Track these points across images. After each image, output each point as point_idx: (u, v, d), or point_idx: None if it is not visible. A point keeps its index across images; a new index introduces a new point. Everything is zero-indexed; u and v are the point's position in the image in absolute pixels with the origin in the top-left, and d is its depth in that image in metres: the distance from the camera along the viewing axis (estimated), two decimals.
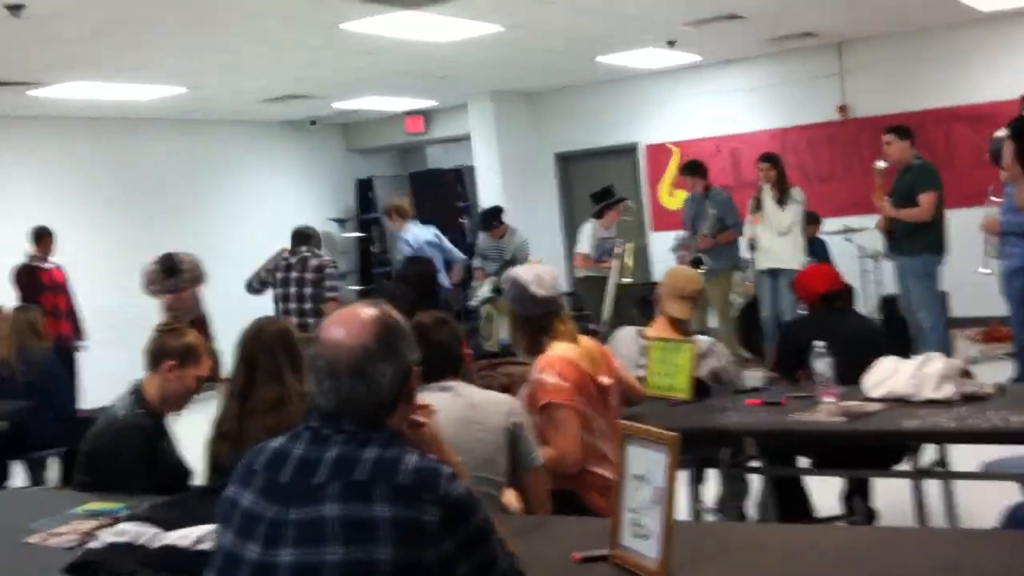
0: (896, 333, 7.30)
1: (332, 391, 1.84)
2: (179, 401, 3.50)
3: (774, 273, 8.11)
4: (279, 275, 7.37)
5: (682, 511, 3.72)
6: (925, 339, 7.16)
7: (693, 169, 8.95)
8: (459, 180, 13.19)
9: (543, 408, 3.28)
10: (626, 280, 8.70)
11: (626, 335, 4.48)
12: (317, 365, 1.86)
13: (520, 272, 3.48)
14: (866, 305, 9.14)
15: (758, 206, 8.13)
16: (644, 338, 4.36)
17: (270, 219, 11.98)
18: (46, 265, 8.51)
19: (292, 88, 10.04)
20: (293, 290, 7.27)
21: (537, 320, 3.43)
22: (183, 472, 3.46)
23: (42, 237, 8.52)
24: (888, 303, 8.70)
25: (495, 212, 9.56)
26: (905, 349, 5.19)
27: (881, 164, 7.43)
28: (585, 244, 8.99)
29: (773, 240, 8.06)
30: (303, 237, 7.49)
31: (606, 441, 3.36)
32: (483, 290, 9.28)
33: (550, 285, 3.44)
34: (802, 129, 10.75)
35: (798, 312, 7.38)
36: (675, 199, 11.22)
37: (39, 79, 8.30)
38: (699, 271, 7.49)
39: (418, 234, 8.47)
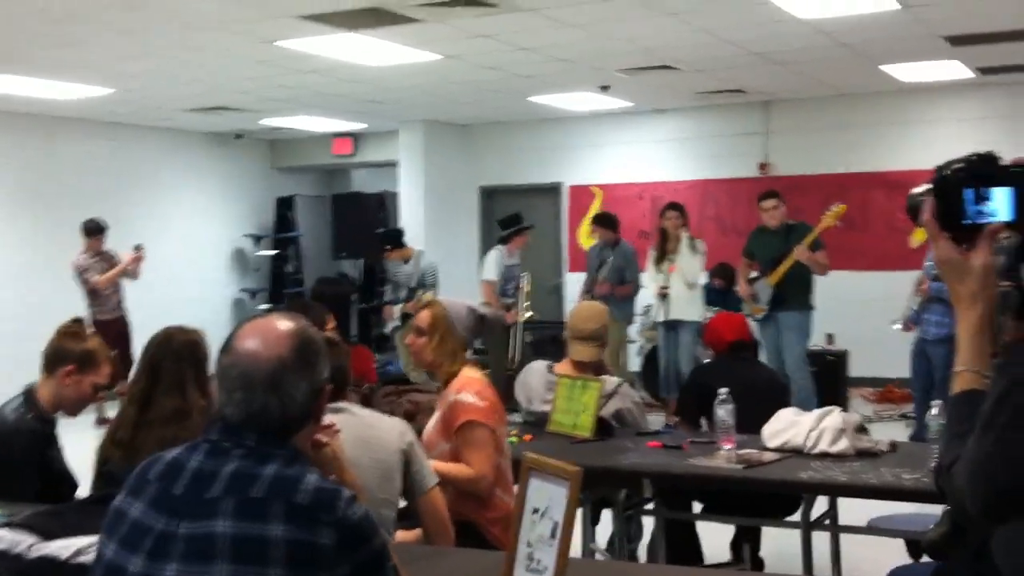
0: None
1: (243, 403, 1.78)
2: (73, 408, 3.38)
3: (674, 325, 8.13)
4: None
5: (575, 550, 3.73)
6: (799, 399, 6.82)
7: (605, 221, 8.93)
8: (381, 205, 13.13)
9: (461, 427, 3.27)
10: (529, 314, 8.66)
11: (537, 368, 4.52)
12: (230, 375, 1.80)
13: (457, 300, 3.54)
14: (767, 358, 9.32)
15: (662, 257, 8.10)
16: (553, 373, 4.39)
17: (186, 230, 11.78)
18: None
19: (222, 100, 9.92)
20: None
21: (459, 345, 3.45)
22: (69, 482, 3.35)
23: None
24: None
25: (389, 235, 9.49)
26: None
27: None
28: (492, 271, 8.89)
29: (682, 291, 8.09)
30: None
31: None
32: (396, 318, 9.23)
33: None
34: (723, 182, 10.97)
35: (697, 362, 7.47)
36: (593, 241, 11.33)
37: None
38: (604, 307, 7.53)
39: None
